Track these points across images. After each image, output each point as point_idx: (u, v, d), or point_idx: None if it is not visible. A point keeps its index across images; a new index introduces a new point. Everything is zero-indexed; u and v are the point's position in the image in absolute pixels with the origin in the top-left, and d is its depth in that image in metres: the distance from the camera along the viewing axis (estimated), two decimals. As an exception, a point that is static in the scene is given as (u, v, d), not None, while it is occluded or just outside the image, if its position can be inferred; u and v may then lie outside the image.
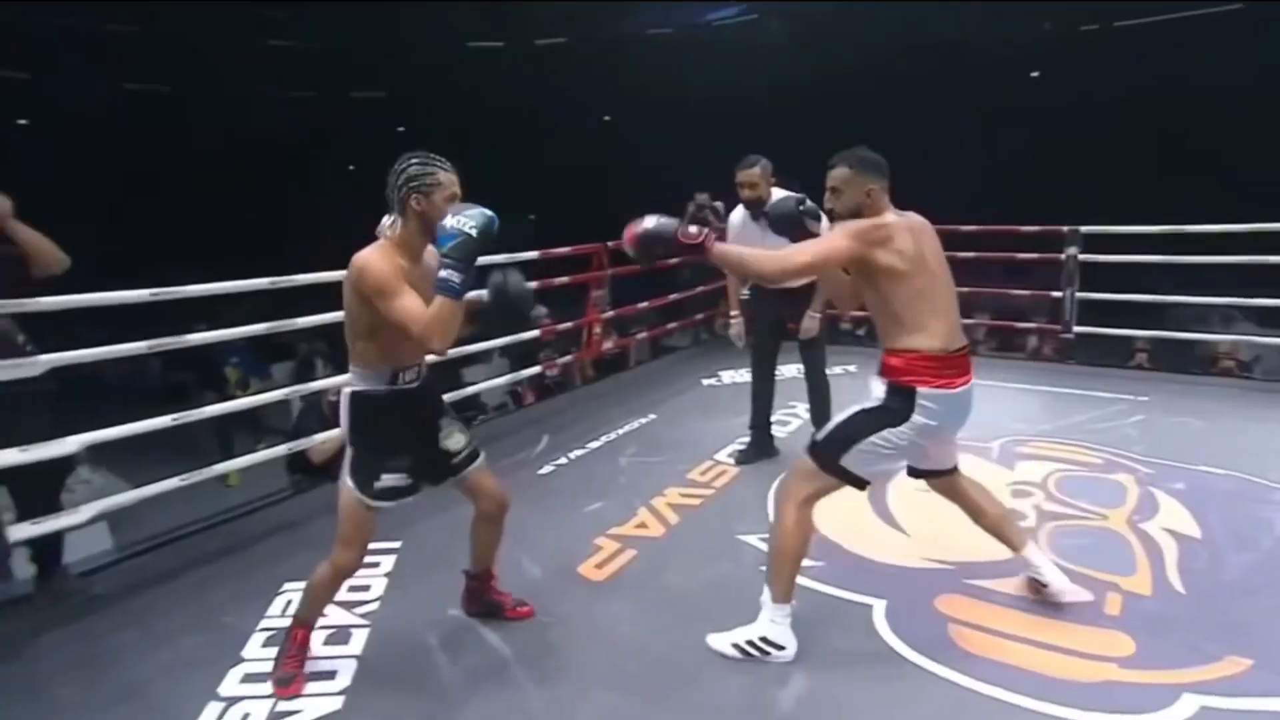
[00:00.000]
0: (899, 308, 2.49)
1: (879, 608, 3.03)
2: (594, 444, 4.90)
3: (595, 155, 16.19)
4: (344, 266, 2.40)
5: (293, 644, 2.63)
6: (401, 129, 16.49)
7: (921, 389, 2.47)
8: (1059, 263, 6.34)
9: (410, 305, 2.23)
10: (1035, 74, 13.39)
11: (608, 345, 6.82)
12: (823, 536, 3.54)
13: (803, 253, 2.51)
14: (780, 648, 2.65)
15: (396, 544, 3.59)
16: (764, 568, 2.77)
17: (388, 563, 3.47)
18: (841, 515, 3.72)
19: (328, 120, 15.99)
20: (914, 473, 2.86)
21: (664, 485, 4.17)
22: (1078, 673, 2.59)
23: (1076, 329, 6.22)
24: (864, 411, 2.55)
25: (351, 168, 15.88)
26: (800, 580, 2.80)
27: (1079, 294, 6.32)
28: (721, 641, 2.68)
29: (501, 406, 7.62)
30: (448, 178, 2.38)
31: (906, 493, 3.98)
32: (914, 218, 2.61)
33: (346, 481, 2.48)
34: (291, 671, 2.61)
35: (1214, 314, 8.73)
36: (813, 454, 2.58)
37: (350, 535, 2.49)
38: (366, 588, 3.25)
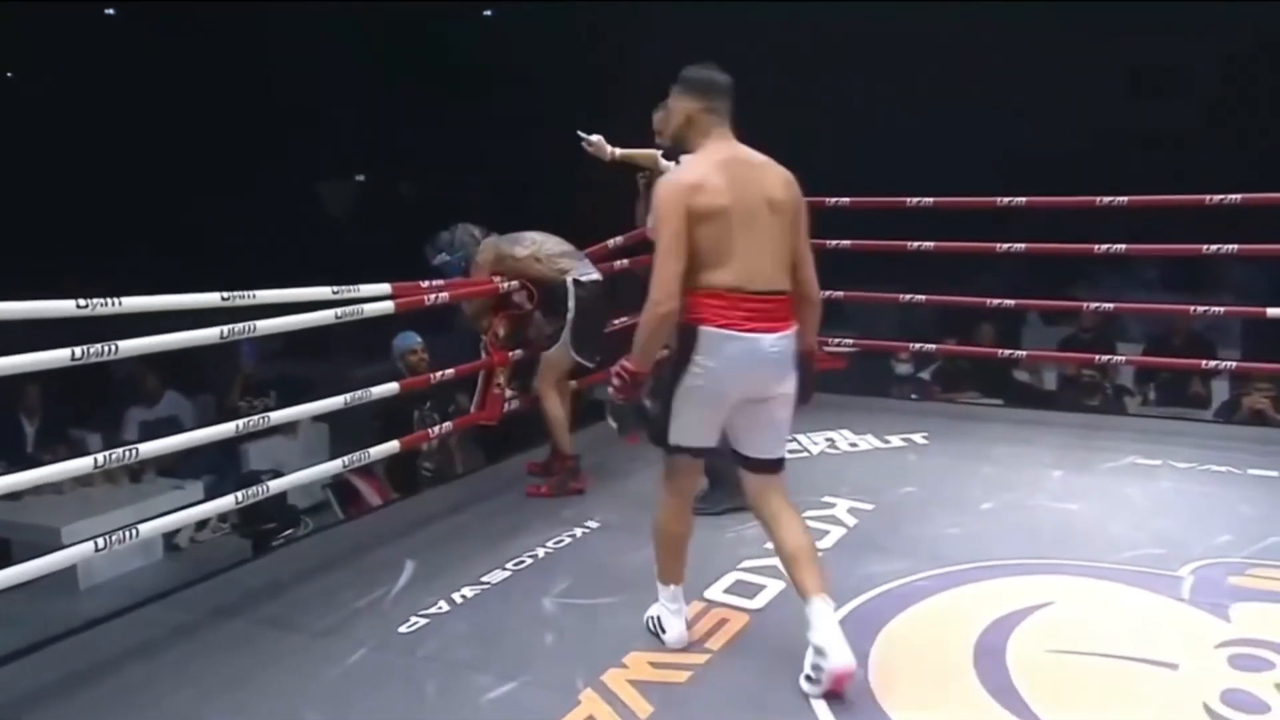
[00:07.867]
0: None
1: None
2: (494, 575, 3.72)
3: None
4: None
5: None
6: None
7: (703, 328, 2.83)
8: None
9: None
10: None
11: (510, 402, 5.15)
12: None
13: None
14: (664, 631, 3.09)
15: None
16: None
17: None
18: (931, 693, 2.76)
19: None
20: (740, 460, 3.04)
21: (623, 647, 3.10)
22: None
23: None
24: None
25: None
26: None
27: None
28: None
29: (317, 510, 5.90)
30: None
31: (1029, 653, 3.03)
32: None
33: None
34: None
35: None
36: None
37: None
38: None
